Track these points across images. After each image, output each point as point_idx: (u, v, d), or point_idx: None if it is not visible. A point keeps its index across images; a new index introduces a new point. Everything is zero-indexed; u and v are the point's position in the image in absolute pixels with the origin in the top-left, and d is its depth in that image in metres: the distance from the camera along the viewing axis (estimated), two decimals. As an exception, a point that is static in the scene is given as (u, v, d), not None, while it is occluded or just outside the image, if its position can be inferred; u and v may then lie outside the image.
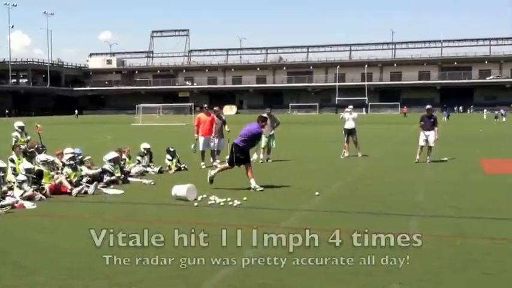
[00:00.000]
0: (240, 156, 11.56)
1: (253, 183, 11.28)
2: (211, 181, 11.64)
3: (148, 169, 14.28)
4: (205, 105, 16.89)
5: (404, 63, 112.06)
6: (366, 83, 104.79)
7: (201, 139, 15.84)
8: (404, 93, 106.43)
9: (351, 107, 19.33)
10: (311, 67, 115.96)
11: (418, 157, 16.25)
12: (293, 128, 41.22)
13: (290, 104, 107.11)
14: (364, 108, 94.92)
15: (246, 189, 11.16)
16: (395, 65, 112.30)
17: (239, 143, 11.62)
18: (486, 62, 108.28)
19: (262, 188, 11.17)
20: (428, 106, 17.26)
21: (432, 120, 16.58)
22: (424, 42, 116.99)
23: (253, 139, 11.94)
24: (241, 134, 11.80)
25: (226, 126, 16.38)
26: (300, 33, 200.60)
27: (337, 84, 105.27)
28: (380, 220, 8.36)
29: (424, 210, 9.06)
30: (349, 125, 18.47)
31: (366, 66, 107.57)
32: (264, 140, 16.68)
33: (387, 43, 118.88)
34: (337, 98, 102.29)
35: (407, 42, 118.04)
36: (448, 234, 7.40)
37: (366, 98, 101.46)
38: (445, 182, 12.47)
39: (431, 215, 8.74)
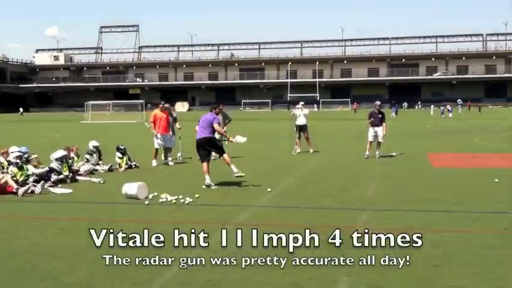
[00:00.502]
0: (208, 148, 11.50)
1: (207, 179, 11.18)
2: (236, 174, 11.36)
3: (97, 167, 14.01)
4: (163, 102, 16.37)
5: (354, 60, 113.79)
6: (317, 79, 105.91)
7: (158, 136, 15.51)
8: (354, 90, 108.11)
9: (302, 103, 19.48)
10: (263, 64, 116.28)
11: (367, 152, 16.52)
12: (245, 124, 41.27)
13: (242, 101, 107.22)
14: (315, 105, 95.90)
15: (198, 186, 11.10)
16: (345, 61, 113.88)
17: (212, 135, 11.53)
18: (433, 59, 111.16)
19: (216, 187, 11.12)
20: (377, 102, 17.57)
21: (381, 116, 16.88)
22: (373, 39, 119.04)
23: (213, 127, 11.66)
24: (202, 127, 11.56)
25: (177, 124, 16.24)
26: (251, 29, 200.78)
27: (289, 80, 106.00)
28: (331, 215, 8.47)
29: (374, 204, 9.23)
30: (301, 121, 18.62)
31: (317, 63, 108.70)
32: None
33: (337, 40, 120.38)
34: (289, 95, 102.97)
35: (356, 40, 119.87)
36: (395, 227, 7.55)
37: (318, 94, 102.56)
38: (394, 176, 12.74)
39: (381, 208, 8.91)
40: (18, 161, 11.52)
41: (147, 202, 9.51)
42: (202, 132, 11.59)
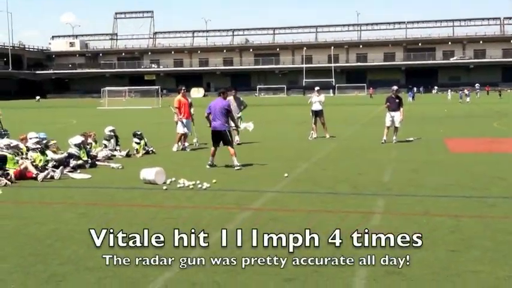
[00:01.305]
0: (220, 139, 11.92)
1: (210, 161, 11.95)
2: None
3: (115, 153, 14.11)
4: (184, 88, 16.38)
5: (370, 44, 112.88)
6: (333, 64, 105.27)
7: (183, 121, 15.50)
8: (370, 75, 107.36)
9: (318, 88, 19.44)
10: (278, 49, 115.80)
11: (384, 137, 16.45)
12: (261, 110, 41.25)
13: (258, 86, 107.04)
14: (331, 90, 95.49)
15: (215, 172, 11.18)
16: (361, 46, 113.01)
17: (226, 126, 11.90)
18: (450, 43, 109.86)
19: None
20: (394, 87, 17.46)
21: (398, 101, 16.78)
22: (389, 23, 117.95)
23: (227, 114, 11.99)
24: (216, 115, 11.87)
25: (191, 109, 16.27)
26: (265, 14, 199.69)
27: (304, 66, 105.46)
28: (348, 200, 8.47)
29: (390, 190, 9.21)
30: (316, 106, 18.62)
31: (332, 48, 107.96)
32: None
33: (353, 25, 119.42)
34: (304, 80, 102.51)
35: (372, 24, 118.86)
36: (413, 212, 7.55)
37: (333, 79, 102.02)
38: (411, 161, 12.69)
39: (397, 193, 8.90)
40: (38, 146, 11.65)
41: (165, 187, 9.58)
42: (216, 122, 11.88)
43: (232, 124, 12.57)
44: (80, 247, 6.04)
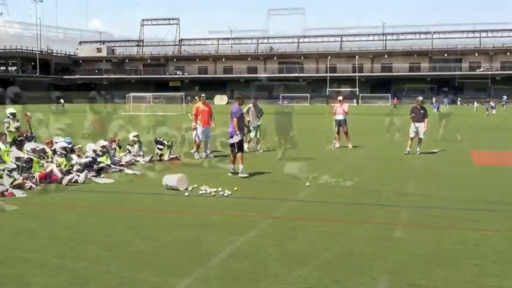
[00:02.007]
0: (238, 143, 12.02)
1: (230, 168, 12.02)
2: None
3: (138, 158, 14.21)
4: (203, 95, 16.40)
5: (395, 54, 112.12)
6: (357, 74, 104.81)
7: (200, 129, 15.56)
8: (395, 85, 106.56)
9: (340, 98, 19.36)
10: (302, 57, 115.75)
11: (408, 149, 16.30)
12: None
13: (281, 94, 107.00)
14: (355, 100, 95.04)
15: (237, 179, 11.19)
16: (386, 56, 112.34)
17: (231, 132, 11.99)
18: (476, 54, 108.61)
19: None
20: (419, 98, 17.29)
21: (423, 111, 16.62)
22: (415, 33, 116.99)
23: (239, 119, 12.19)
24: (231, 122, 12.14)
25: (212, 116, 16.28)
26: (290, 22, 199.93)
27: (328, 75, 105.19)
28: (370, 211, 8.40)
29: (414, 202, 9.12)
30: (339, 116, 18.54)
31: (357, 57, 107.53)
32: (253, 131, 16.90)
33: (378, 34, 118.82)
34: (328, 89, 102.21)
35: (398, 34, 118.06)
36: (437, 225, 7.46)
37: (357, 89, 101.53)
38: (435, 173, 12.54)
39: (421, 206, 8.80)
40: (64, 151, 11.81)
41: (186, 194, 9.63)
42: (229, 127, 12.19)
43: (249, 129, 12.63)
44: (103, 251, 6.10)
